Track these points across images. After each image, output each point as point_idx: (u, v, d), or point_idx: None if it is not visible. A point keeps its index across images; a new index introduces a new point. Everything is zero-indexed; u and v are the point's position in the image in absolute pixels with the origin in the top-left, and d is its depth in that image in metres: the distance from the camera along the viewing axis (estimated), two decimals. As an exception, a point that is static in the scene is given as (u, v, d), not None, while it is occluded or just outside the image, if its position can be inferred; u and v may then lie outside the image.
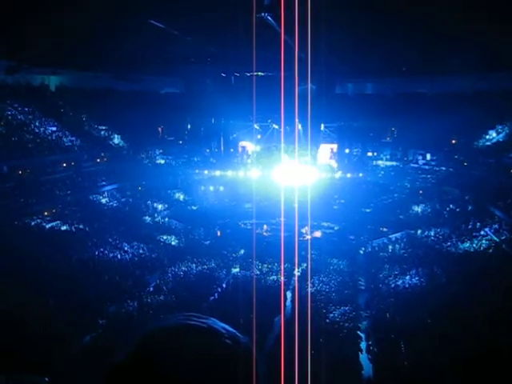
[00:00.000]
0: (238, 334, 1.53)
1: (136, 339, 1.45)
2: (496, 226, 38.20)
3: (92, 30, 40.91)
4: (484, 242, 37.35)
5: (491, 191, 41.07)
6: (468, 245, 37.92)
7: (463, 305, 26.69)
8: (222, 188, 56.02)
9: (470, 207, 43.14)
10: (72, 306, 25.98)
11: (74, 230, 39.28)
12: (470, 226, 40.39)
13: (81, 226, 39.95)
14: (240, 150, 61.79)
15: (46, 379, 19.11)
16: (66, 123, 50.87)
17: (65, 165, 46.49)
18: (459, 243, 38.63)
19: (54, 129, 48.83)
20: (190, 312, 1.59)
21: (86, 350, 24.09)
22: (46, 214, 39.77)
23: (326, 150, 59.30)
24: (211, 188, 56.17)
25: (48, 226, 38.29)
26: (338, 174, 55.44)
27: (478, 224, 39.88)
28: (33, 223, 37.58)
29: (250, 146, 61.15)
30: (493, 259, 34.15)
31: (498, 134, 48.40)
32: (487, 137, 49.14)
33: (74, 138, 49.74)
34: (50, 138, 47.49)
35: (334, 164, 57.91)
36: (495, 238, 36.94)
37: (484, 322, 23.69)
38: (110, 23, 40.52)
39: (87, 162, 49.60)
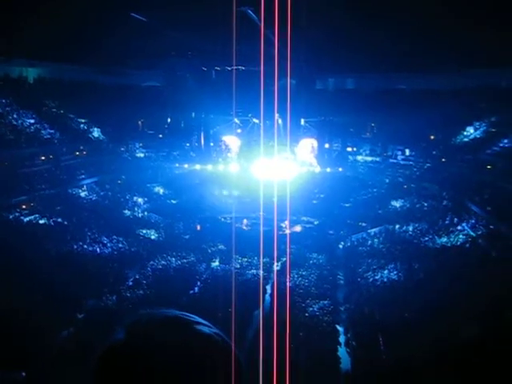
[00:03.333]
0: (214, 328, 1.57)
1: (126, 327, 1.50)
2: (473, 221, 38.69)
3: (72, 23, 40.54)
4: (461, 236, 37.80)
5: (468, 187, 41.56)
6: (445, 240, 38.35)
7: (440, 299, 27.03)
8: (201, 182, 55.86)
9: (447, 203, 43.61)
10: (49, 301, 25.78)
11: (52, 223, 38.92)
12: (447, 222, 40.85)
13: (59, 220, 39.58)
14: (220, 144, 61.65)
15: (23, 374, 19.00)
16: (45, 116, 50.29)
17: (43, 158, 45.91)
18: (437, 238, 39.06)
19: (33, 121, 48.23)
20: (170, 307, 1.63)
21: (63, 345, 23.97)
22: (23, 207, 39.32)
23: (306, 144, 59.39)
24: (191, 182, 55.99)
25: (26, 219, 37.88)
26: (318, 169, 55.63)
27: (456, 219, 40.36)
28: (10, 216, 37.15)
29: (230, 140, 61.05)
30: (469, 254, 34.60)
31: (476, 130, 48.95)
32: (465, 133, 49.66)
33: (52, 131, 49.16)
34: (28, 130, 46.91)
35: (314, 159, 58.05)
36: (472, 233, 37.41)
37: (460, 316, 24.01)
38: (91, 16, 40.20)
39: (66, 155, 49.07)
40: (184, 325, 1.51)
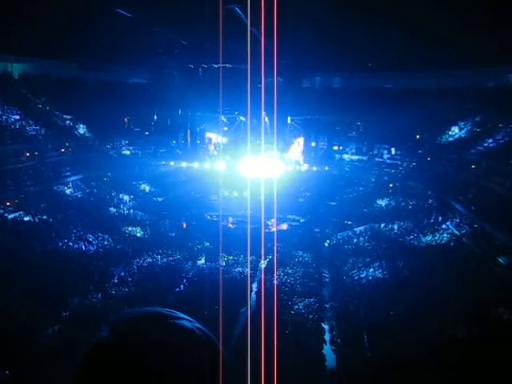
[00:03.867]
0: (197, 323, 1.58)
1: (109, 325, 1.50)
2: (457, 220, 38.97)
3: (58, 19, 40.22)
4: (445, 235, 38.07)
5: (453, 186, 41.87)
6: (430, 238, 38.61)
7: (425, 297, 27.20)
8: (188, 180, 55.75)
9: (432, 201, 43.91)
10: (35, 298, 25.60)
11: (37, 220, 38.61)
12: (432, 220, 41.13)
13: (44, 217, 39.26)
14: (206, 141, 61.64)
15: (7, 372, 18.87)
16: (30, 112, 49.85)
17: (28, 154, 45.51)
18: (422, 237, 39.31)
19: (18, 117, 47.79)
20: (155, 304, 1.64)
21: (48, 342, 23.81)
22: (8, 204, 38.94)
23: (293, 143, 59.53)
24: (177, 180, 55.87)
25: (10, 216, 37.53)
26: (304, 167, 55.78)
27: (440, 218, 40.65)
28: (-6, 214, 36.85)
29: (216, 137, 61.04)
30: (454, 252, 34.85)
31: (461, 130, 49.33)
32: (450, 132, 50.04)
33: (38, 127, 48.77)
34: (12, 126, 46.48)
35: (301, 157, 58.20)
36: (456, 232, 37.69)
37: (445, 314, 24.19)
38: (77, 12, 39.91)
39: (51, 151, 48.68)
40: (166, 320, 1.52)
